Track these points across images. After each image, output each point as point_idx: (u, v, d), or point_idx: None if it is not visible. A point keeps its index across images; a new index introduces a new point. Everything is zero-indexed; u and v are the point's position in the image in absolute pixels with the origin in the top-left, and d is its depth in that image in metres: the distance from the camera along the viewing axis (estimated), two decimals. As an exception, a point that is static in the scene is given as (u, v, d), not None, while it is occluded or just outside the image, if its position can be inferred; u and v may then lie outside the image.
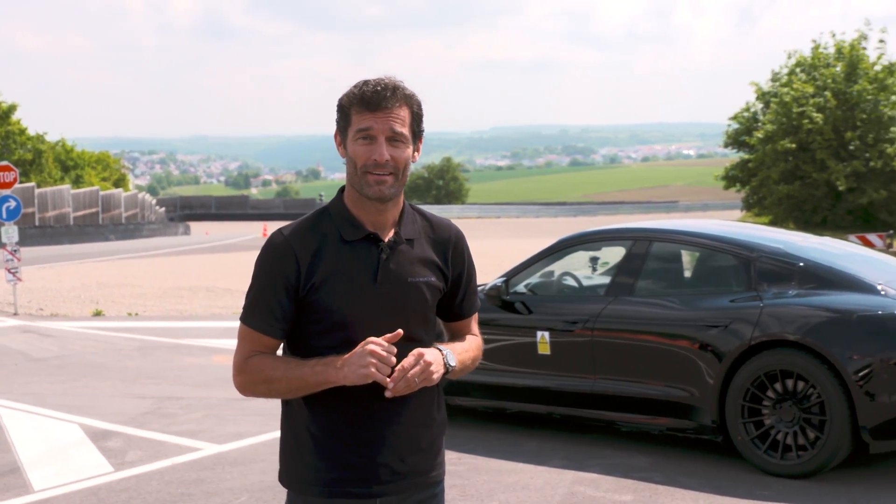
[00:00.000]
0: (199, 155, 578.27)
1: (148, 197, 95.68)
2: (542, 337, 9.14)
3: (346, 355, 3.21)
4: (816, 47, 53.76)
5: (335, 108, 3.38)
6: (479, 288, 9.78)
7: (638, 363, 8.65)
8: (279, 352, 3.44)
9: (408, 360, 3.24)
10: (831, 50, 53.18)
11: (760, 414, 8.02)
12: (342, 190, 3.44)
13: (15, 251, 21.61)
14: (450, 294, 3.53)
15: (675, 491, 7.63)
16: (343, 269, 3.31)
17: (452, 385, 9.59)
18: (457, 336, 3.64)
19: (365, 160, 3.28)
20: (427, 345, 3.42)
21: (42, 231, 58.48)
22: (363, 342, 3.20)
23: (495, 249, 38.43)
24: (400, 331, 3.24)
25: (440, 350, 3.39)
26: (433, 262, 3.44)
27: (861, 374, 7.56)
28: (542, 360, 9.18)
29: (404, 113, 3.30)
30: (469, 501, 7.48)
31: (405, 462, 3.39)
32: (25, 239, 52.90)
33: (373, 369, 3.16)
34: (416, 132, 3.37)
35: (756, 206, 55.31)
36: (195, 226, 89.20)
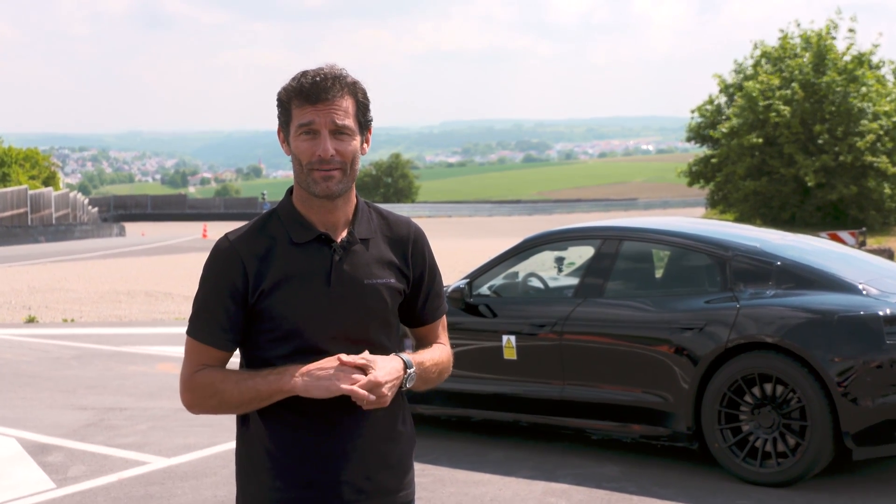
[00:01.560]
0: (134, 152, 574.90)
1: (80, 196, 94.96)
2: (508, 341, 9.13)
3: (310, 366, 3.17)
4: (784, 37, 54.14)
5: (275, 104, 3.35)
6: (441, 290, 9.75)
7: (609, 368, 8.66)
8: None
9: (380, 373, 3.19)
10: (798, 40, 53.58)
11: (738, 420, 8.05)
12: (290, 190, 3.39)
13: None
14: (411, 297, 3.46)
15: (650, 501, 7.66)
16: (294, 274, 3.26)
17: (413, 393, 9.53)
18: (423, 343, 3.57)
19: (309, 157, 3.23)
20: (389, 352, 3.36)
21: (-33, 233, 57.93)
22: (335, 359, 3.16)
23: (448, 250, 38.40)
24: (366, 354, 3.19)
25: (404, 363, 3.32)
26: (391, 262, 3.38)
27: (843, 377, 7.61)
28: (507, 366, 9.17)
29: (347, 103, 3.26)
30: (435, 515, 7.46)
31: (371, 480, 3.32)
32: (-50, 241, 52.39)
33: (345, 385, 3.12)
34: (363, 122, 3.32)
35: (721, 203, 55.60)
36: (130, 226, 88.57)
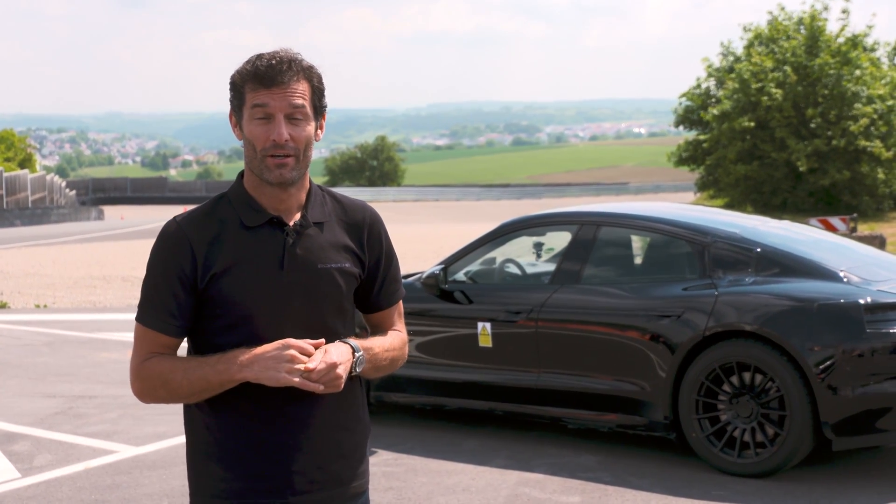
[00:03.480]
0: (113, 133, 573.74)
1: (57, 179, 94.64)
2: (483, 328, 9.15)
3: (256, 352, 3.17)
4: (774, 19, 54.12)
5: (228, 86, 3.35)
6: (416, 276, 9.79)
7: (585, 356, 8.69)
8: (182, 351, 3.39)
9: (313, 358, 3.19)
10: (789, 22, 53.53)
11: (716, 409, 8.08)
12: (242, 174, 3.40)
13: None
14: (367, 282, 3.48)
15: (626, 492, 7.69)
16: (245, 258, 3.27)
17: (386, 381, 9.58)
18: (378, 330, 3.59)
19: (263, 142, 3.24)
20: (343, 338, 3.37)
21: (-60, 216, 57.76)
22: (281, 342, 3.16)
23: (434, 235, 38.46)
24: (322, 340, 3.20)
25: (351, 347, 3.32)
26: (347, 246, 3.39)
27: (822, 366, 7.64)
28: (482, 353, 9.19)
29: (303, 87, 3.27)
30: (406, 505, 7.49)
31: (324, 470, 3.34)
32: (-78, 225, 52.23)
33: (295, 378, 3.12)
34: (318, 108, 3.33)
35: (711, 188, 55.60)
36: (109, 210, 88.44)
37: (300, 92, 3.25)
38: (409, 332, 9.56)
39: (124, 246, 39.26)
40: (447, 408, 9.54)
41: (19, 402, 11.20)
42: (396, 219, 67.26)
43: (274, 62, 3.23)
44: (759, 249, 8.37)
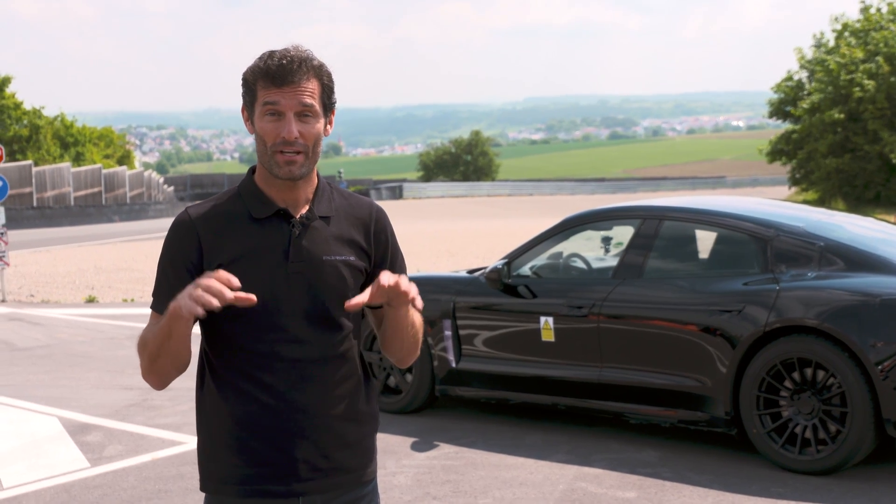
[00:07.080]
0: (212, 130, 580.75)
1: (155, 175, 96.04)
2: (546, 323, 9.15)
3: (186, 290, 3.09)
4: (866, 9, 53.31)
5: (240, 83, 3.41)
6: (480, 272, 9.82)
7: (647, 351, 8.64)
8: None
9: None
10: (884, 10, 52.70)
11: (777, 405, 8.00)
12: (253, 169, 3.48)
13: (1, 234, 21.49)
14: (373, 277, 3.50)
15: (683, 487, 7.64)
16: (252, 249, 3.33)
17: (451, 375, 9.62)
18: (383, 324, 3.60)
19: (273, 138, 3.31)
20: (352, 332, 3.43)
21: (40, 212, 58.73)
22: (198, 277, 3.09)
23: (525, 229, 38.34)
24: (235, 281, 3.07)
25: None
26: (352, 240, 3.44)
27: (885, 362, 7.52)
28: (545, 348, 9.19)
29: (313, 85, 3.33)
30: (461, 498, 7.51)
31: (329, 458, 3.39)
32: (22, 221, 53.21)
33: (198, 308, 3.01)
34: (327, 105, 3.40)
35: (803, 182, 54.93)
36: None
37: (310, 90, 3.32)
38: (473, 327, 9.55)
39: (216, 241, 39.70)
40: (511, 402, 9.55)
41: (96, 393, 11.41)
42: (489, 213, 67.25)
43: (285, 61, 3.30)
44: (822, 244, 8.26)
